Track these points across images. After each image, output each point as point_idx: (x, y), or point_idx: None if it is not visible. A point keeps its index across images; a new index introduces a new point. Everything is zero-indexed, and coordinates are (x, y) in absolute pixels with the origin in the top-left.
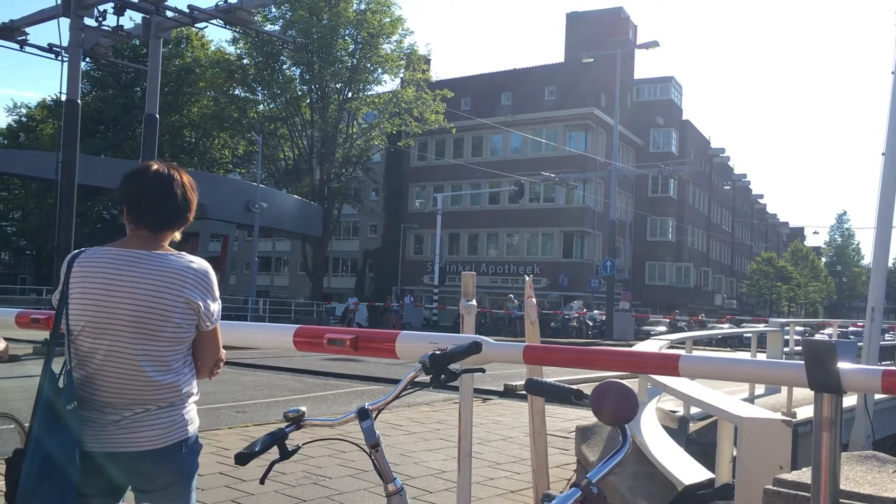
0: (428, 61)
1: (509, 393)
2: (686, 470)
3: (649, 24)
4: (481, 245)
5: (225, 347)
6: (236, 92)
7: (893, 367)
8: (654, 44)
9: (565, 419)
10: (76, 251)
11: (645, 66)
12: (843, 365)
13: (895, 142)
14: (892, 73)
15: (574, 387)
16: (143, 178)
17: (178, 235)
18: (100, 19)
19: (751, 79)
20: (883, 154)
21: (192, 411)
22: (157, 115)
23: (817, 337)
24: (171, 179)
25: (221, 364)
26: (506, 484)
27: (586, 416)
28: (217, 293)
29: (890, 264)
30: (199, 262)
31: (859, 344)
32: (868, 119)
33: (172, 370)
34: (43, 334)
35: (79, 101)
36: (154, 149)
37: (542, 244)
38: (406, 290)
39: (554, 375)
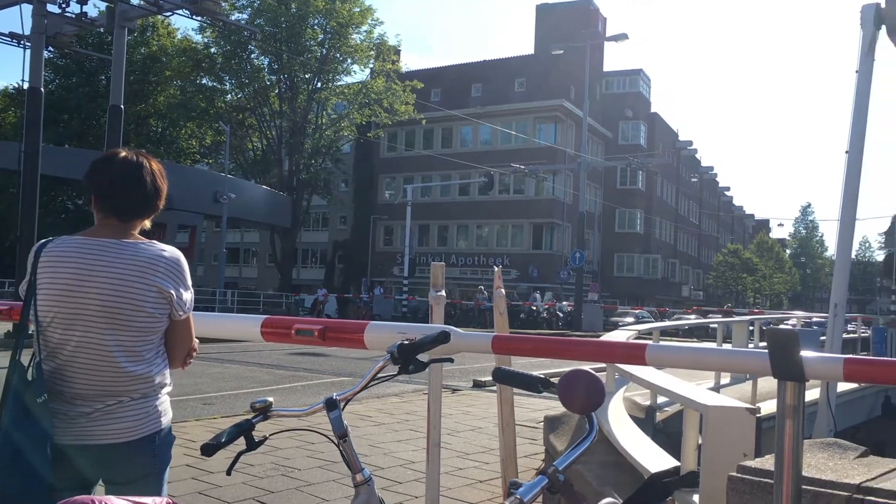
0: (398, 52)
1: (479, 386)
2: (652, 458)
3: (618, 16)
4: (451, 236)
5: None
6: (203, 81)
7: (856, 356)
8: (623, 36)
9: (534, 409)
10: (43, 241)
11: (614, 59)
12: (805, 353)
13: (859, 140)
14: (857, 71)
15: (542, 375)
16: (111, 166)
17: (148, 224)
18: (63, 6)
19: (718, 73)
20: (847, 152)
21: (165, 402)
22: (122, 106)
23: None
24: (140, 167)
25: (194, 354)
26: (475, 474)
27: (555, 406)
28: (189, 282)
29: (853, 255)
30: (171, 251)
31: (822, 337)
32: (832, 113)
33: (145, 360)
34: (6, 325)
35: (42, 90)
36: (119, 138)
37: (512, 236)
38: (376, 281)
39: (526, 367)
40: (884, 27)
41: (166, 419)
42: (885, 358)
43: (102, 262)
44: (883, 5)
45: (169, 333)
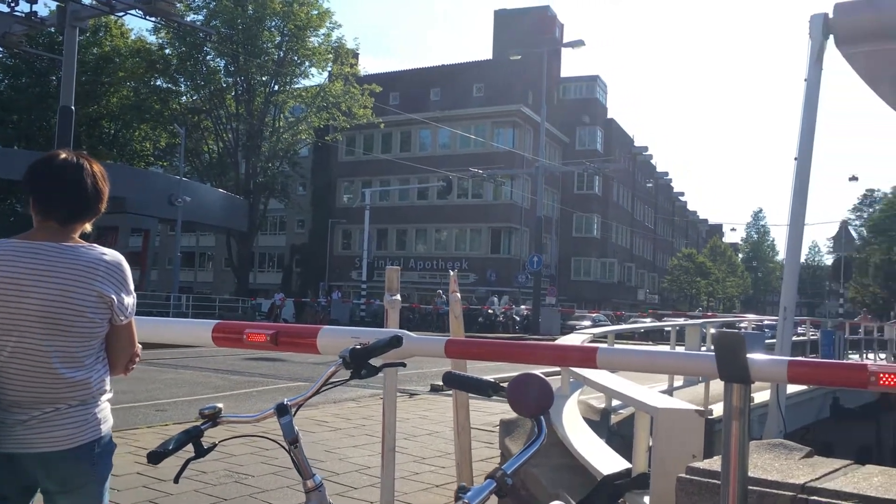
0: (356, 55)
1: (436, 390)
2: (605, 461)
3: (576, 23)
4: (410, 240)
5: (143, 344)
6: (158, 82)
7: (800, 359)
8: (580, 43)
9: (490, 413)
10: None
11: (571, 65)
12: (751, 356)
13: (807, 147)
14: (805, 80)
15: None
16: (50, 168)
17: (88, 227)
18: (12, 5)
19: (672, 80)
20: (796, 159)
21: (105, 409)
22: (73, 107)
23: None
24: (80, 168)
25: (137, 359)
26: (430, 478)
27: (511, 410)
28: (131, 286)
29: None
30: (112, 255)
31: (768, 340)
32: (782, 121)
33: (84, 367)
34: None
35: None
36: (70, 141)
37: (471, 240)
38: (334, 285)
39: (483, 372)
40: (832, 37)
41: (106, 426)
42: (827, 360)
43: (40, 266)
44: (831, 16)
45: (110, 339)
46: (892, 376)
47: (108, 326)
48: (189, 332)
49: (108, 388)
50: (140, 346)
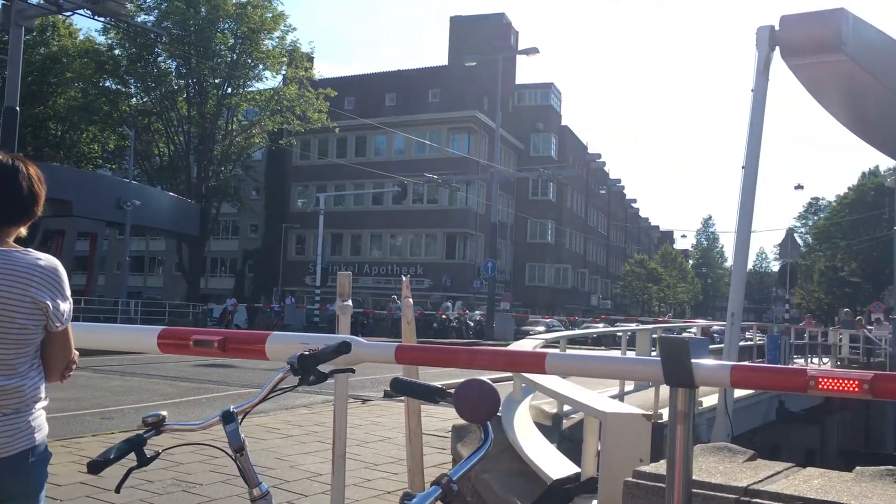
0: (311, 59)
1: (389, 396)
2: (554, 465)
3: (531, 31)
4: (364, 246)
5: (88, 351)
6: (107, 84)
7: (743, 363)
8: (535, 50)
9: (443, 419)
10: None
11: (526, 73)
12: (696, 361)
13: (754, 156)
14: (752, 90)
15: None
16: None
17: (23, 231)
18: None
19: (625, 89)
20: (743, 167)
21: (39, 417)
22: (18, 108)
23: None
24: (15, 171)
25: (74, 366)
26: (382, 485)
27: None
28: (68, 292)
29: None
30: (48, 259)
31: (716, 346)
32: (731, 130)
33: (18, 374)
34: None
35: None
36: (14, 142)
37: (426, 245)
38: (287, 291)
39: (437, 378)
40: (778, 48)
41: (41, 435)
42: (769, 365)
43: None
44: (777, 28)
45: (46, 345)
46: (831, 380)
47: (43, 333)
48: (134, 339)
49: (43, 395)
50: (77, 352)
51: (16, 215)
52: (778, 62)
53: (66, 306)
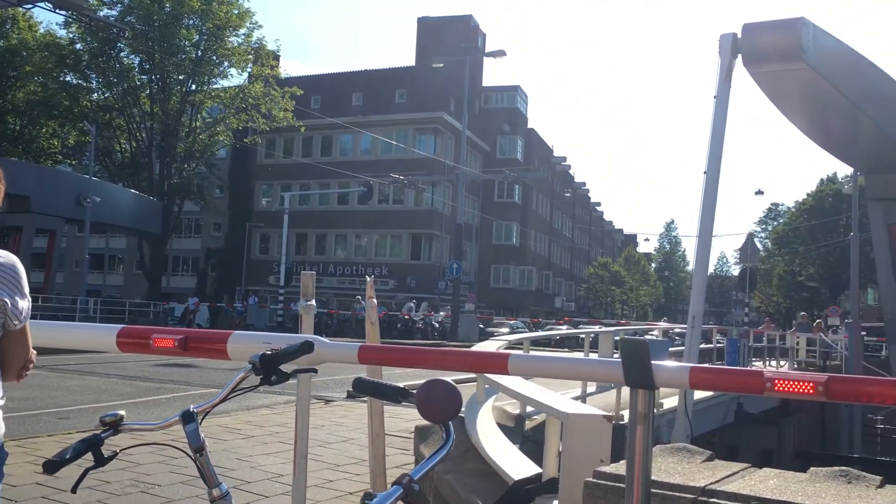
0: (277, 57)
1: (353, 397)
2: (516, 466)
3: (498, 34)
4: (329, 245)
5: (45, 350)
6: (68, 78)
7: (702, 365)
8: (502, 53)
9: (407, 420)
10: None
11: (493, 75)
12: (656, 363)
13: (716, 161)
14: (715, 97)
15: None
16: None
17: None
18: None
19: (590, 93)
20: (705, 172)
21: None
22: None
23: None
24: None
25: (31, 365)
26: (344, 486)
27: None
28: (26, 289)
29: (711, 270)
30: (6, 256)
31: (677, 348)
32: (693, 135)
33: None
34: None
35: None
36: None
37: (391, 246)
38: (251, 290)
39: (401, 378)
40: (740, 56)
41: None
42: (727, 367)
43: None
44: (739, 35)
45: (3, 344)
46: (786, 382)
47: (0, 331)
48: (92, 337)
49: (0, 394)
50: (34, 351)
51: None
52: (740, 69)
53: (25, 304)
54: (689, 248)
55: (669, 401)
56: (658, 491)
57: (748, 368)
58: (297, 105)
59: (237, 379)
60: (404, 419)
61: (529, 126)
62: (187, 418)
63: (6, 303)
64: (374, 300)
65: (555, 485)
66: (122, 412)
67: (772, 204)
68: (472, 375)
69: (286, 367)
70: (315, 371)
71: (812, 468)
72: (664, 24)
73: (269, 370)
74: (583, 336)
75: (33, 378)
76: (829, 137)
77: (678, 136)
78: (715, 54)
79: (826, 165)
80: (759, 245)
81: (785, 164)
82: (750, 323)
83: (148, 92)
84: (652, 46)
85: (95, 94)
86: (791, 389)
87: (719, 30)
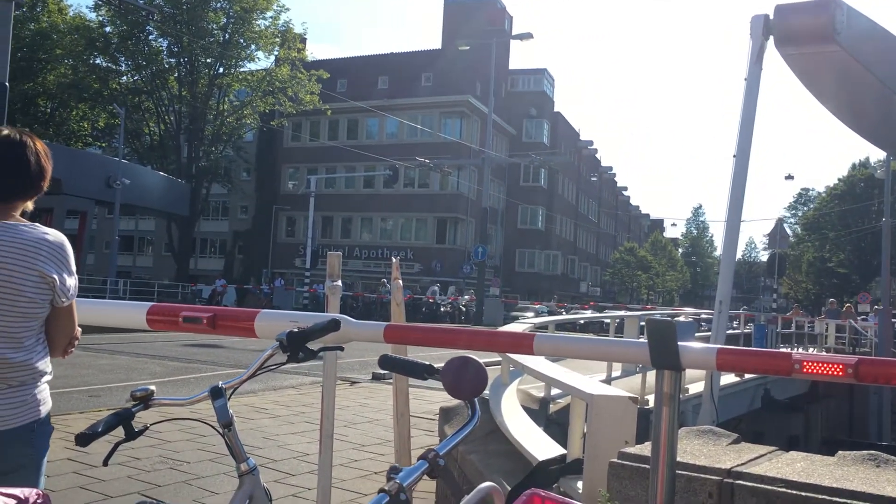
0: (304, 40)
1: (378, 378)
2: (540, 447)
3: (525, 16)
4: (355, 229)
5: (81, 329)
6: (97, 61)
7: (728, 346)
8: (529, 35)
9: (431, 402)
10: None
11: (520, 58)
12: (682, 343)
13: (745, 145)
14: (745, 79)
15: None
16: None
17: (30, 205)
18: None
19: (618, 76)
20: (734, 156)
21: (44, 391)
22: (8, 83)
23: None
24: (23, 145)
25: (76, 342)
26: (369, 465)
27: (451, 399)
28: (73, 267)
29: (739, 255)
30: (55, 235)
31: (703, 333)
32: (723, 118)
33: (24, 348)
34: None
35: None
36: (3, 118)
37: (416, 229)
38: (277, 272)
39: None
40: (772, 37)
41: (45, 408)
42: (754, 349)
43: None
44: (771, 17)
45: (50, 321)
46: (815, 364)
47: (49, 307)
48: (123, 315)
49: (48, 369)
50: (80, 329)
51: (24, 189)
52: (772, 51)
53: (72, 281)
54: (717, 233)
55: (695, 386)
56: (683, 472)
57: (776, 350)
58: (324, 88)
59: (265, 356)
60: (428, 401)
61: (556, 109)
62: (216, 394)
63: (55, 280)
64: (400, 281)
65: (579, 466)
66: (153, 387)
67: (802, 189)
68: (496, 358)
69: (313, 345)
70: (342, 349)
71: (840, 452)
72: (694, 5)
73: (296, 348)
74: (608, 320)
75: (66, 356)
76: (862, 121)
77: (707, 120)
78: (746, 36)
79: (858, 149)
80: (788, 230)
81: (816, 149)
82: (778, 309)
83: (176, 75)
84: (681, 28)
85: (125, 77)
86: (820, 371)
87: (750, 11)
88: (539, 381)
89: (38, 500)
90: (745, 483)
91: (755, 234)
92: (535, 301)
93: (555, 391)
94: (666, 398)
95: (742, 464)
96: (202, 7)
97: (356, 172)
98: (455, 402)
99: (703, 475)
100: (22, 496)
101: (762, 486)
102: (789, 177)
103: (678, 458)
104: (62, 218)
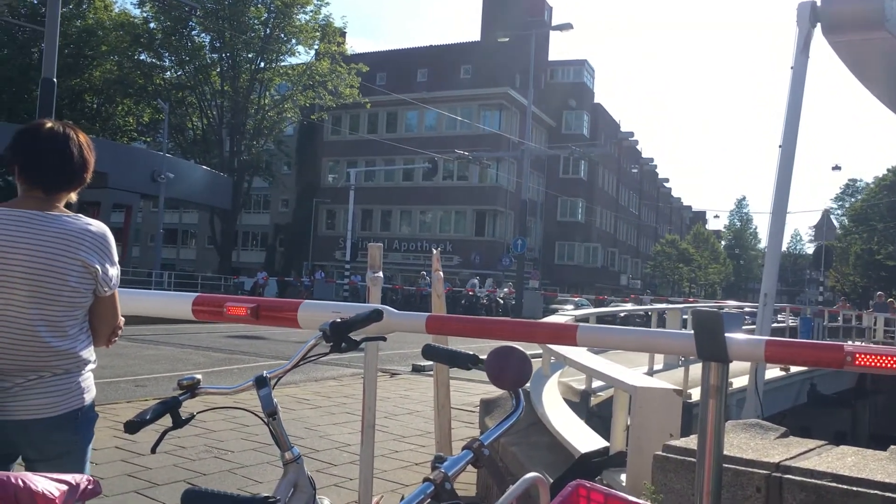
0: (343, 34)
1: (418, 370)
2: (583, 439)
3: (564, 6)
4: (394, 221)
5: (124, 318)
6: (142, 57)
7: (777, 338)
8: (569, 26)
9: (471, 394)
10: None
11: (559, 49)
12: (729, 335)
13: (792, 135)
14: (791, 68)
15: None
16: (36, 136)
17: (73, 197)
18: None
19: (659, 66)
20: (780, 146)
21: (88, 379)
22: (55, 79)
23: None
24: (66, 138)
25: (119, 331)
26: (410, 456)
27: (491, 390)
28: (116, 258)
29: (784, 247)
30: (98, 225)
31: (747, 326)
32: (767, 108)
33: (69, 336)
34: None
35: None
36: (51, 113)
37: (455, 222)
38: (317, 265)
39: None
40: (819, 25)
41: (89, 396)
42: (804, 341)
43: (26, 234)
44: (819, 3)
45: (94, 310)
46: (869, 356)
47: (92, 297)
48: (169, 305)
49: (92, 358)
50: (123, 318)
51: (67, 181)
52: (819, 39)
53: (115, 271)
54: (761, 225)
55: (738, 380)
56: (730, 466)
57: (827, 342)
58: (363, 82)
59: (308, 346)
60: (468, 393)
61: (596, 101)
62: (261, 383)
63: (97, 270)
64: (440, 273)
65: (623, 458)
66: (199, 376)
67: (849, 180)
68: (537, 350)
69: (355, 335)
70: (384, 339)
71: (892, 446)
72: None
73: (339, 338)
74: (649, 313)
75: (112, 347)
76: None
77: (749, 110)
78: (792, 23)
79: None
80: (835, 222)
81: (864, 138)
82: (824, 302)
83: (218, 70)
84: (724, 16)
85: (168, 73)
86: (874, 364)
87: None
88: (580, 374)
89: (90, 486)
90: (794, 477)
91: (800, 225)
92: (575, 294)
93: (596, 384)
94: (713, 390)
95: (791, 458)
96: (243, 2)
97: (395, 165)
98: (496, 393)
99: (750, 469)
100: (73, 482)
101: (812, 480)
102: (836, 167)
103: (725, 452)
104: (108, 211)
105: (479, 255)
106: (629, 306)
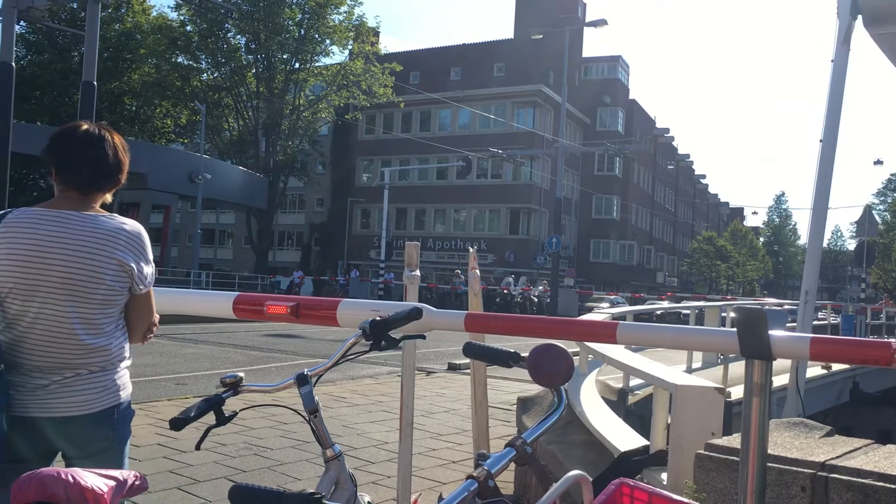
0: (377, 33)
1: (453, 369)
2: (622, 437)
3: (598, 2)
4: (428, 220)
5: (165, 316)
6: (179, 59)
7: (822, 335)
8: (603, 22)
9: (508, 392)
10: (2, 212)
11: (593, 45)
12: (773, 332)
13: (832, 130)
14: (832, 61)
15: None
16: (72, 138)
17: (108, 197)
18: None
19: (695, 60)
20: (821, 141)
21: (124, 376)
22: (95, 83)
23: None
24: (101, 139)
25: (155, 329)
26: (448, 454)
27: (528, 388)
28: (150, 256)
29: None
30: (132, 224)
31: (788, 324)
32: (808, 102)
33: (104, 333)
34: None
35: (13, 65)
36: (92, 116)
37: (489, 220)
38: (352, 264)
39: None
40: (860, 17)
41: (125, 393)
42: (849, 338)
43: (62, 234)
44: None
45: (129, 307)
46: None
47: (127, 295)
48: (210, 304)
49: (127, 355)
50: (158, 316)
51: (102, 182)
52: (860, 31)
53: (150, 270)
54: (801, 221)
55: (779, 379)
56: (774, 465)
57: (874, 339)
58: (396, 81)
59: (348, 343)
60: (505, 391)
61: (631, 97)
62: (302, 381)
63: (133, 268)
64: (477, 271)
65: (663, 457)
66: (241, 373)
67: (892, 174)
68: (575, 349)
69: (395, 333)
70: (423, 337)
71: None
72: None
73: (378, 336)
74: (686, 312)
75: (153, 346)
76: None
77: (789, 105)
78: (832, 16)
79: None
80: (877, 218)
81: None
82: (866, 299)
83: (254, 71)
84: (762, 8)
85: (205, 75)
86: None
87: None
88: (617, 372)
89: (136, 482)
90: (840, 477)
91: (841, 221)
92: (611, 291)
93: (634, 382)
94: (756, 388)
95: (836, 457)
96: (278, 4)
97: (429, 164)
98: (533, 391)
99: (795, 468)
100: (121, 478)
101: (859, 479)
102: (878, 161)
103: (769, 451)
104: (147, 212)
105: (513, 253)
106: (665, 304)
